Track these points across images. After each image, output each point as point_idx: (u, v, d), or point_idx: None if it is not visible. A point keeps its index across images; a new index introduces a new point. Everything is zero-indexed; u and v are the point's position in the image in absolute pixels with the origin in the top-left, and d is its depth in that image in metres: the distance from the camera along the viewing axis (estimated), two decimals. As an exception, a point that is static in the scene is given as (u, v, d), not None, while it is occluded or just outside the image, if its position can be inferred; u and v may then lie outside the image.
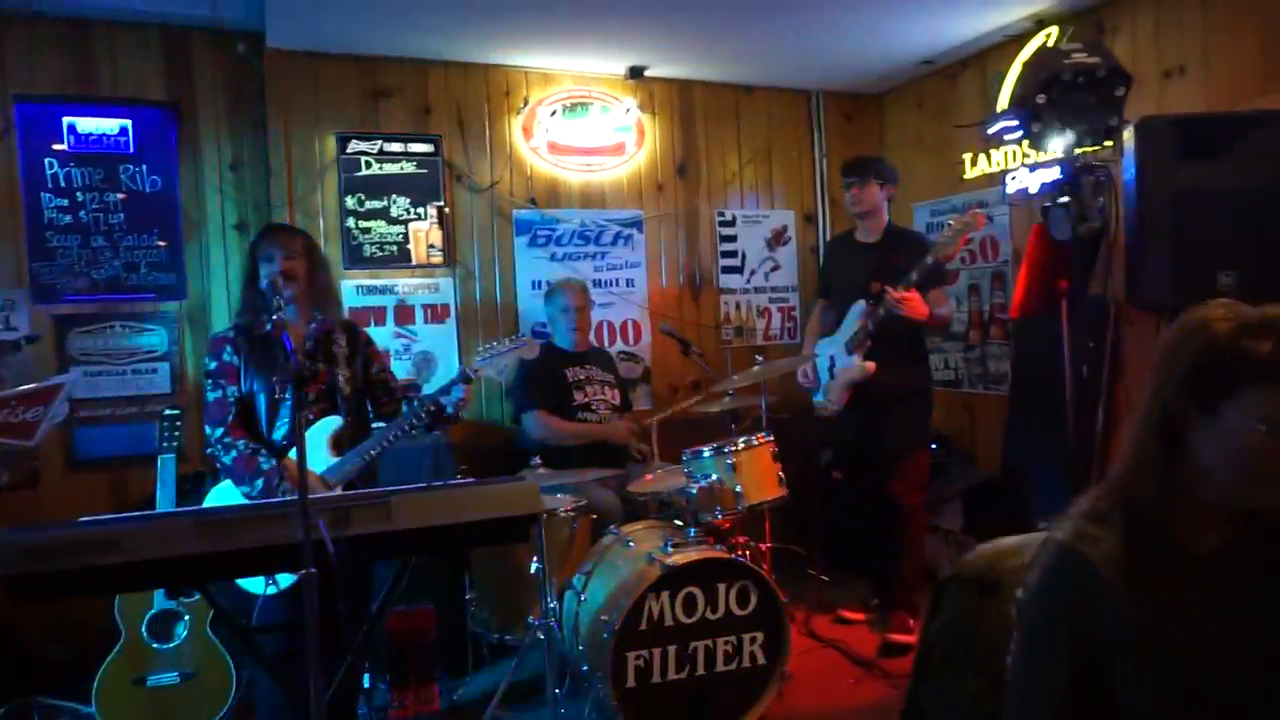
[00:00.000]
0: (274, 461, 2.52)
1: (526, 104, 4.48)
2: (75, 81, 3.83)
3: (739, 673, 2.89)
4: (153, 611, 3.01)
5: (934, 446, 4.48)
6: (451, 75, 4.36)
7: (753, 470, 3.19)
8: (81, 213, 3.84)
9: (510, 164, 4.48)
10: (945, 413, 4.72)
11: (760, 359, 3.72)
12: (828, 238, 5.17)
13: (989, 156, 4.53)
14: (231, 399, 2.57)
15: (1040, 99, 2.96)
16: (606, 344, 4.59)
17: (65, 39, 3.80)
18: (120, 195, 3.91)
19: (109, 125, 3.89)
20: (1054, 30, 4.04)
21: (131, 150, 3.91)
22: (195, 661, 2.97)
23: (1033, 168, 4.03)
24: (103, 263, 3.87)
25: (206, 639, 3.00)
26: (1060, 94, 2.94)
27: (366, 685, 3.07)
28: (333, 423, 2.58)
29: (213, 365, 2.61)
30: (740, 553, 3.19)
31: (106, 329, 3.88)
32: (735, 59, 4.59)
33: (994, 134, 4.37)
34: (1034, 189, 4.04)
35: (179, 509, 2.67)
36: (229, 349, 2.61)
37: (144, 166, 3.94)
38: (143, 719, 2.94)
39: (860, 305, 3.62)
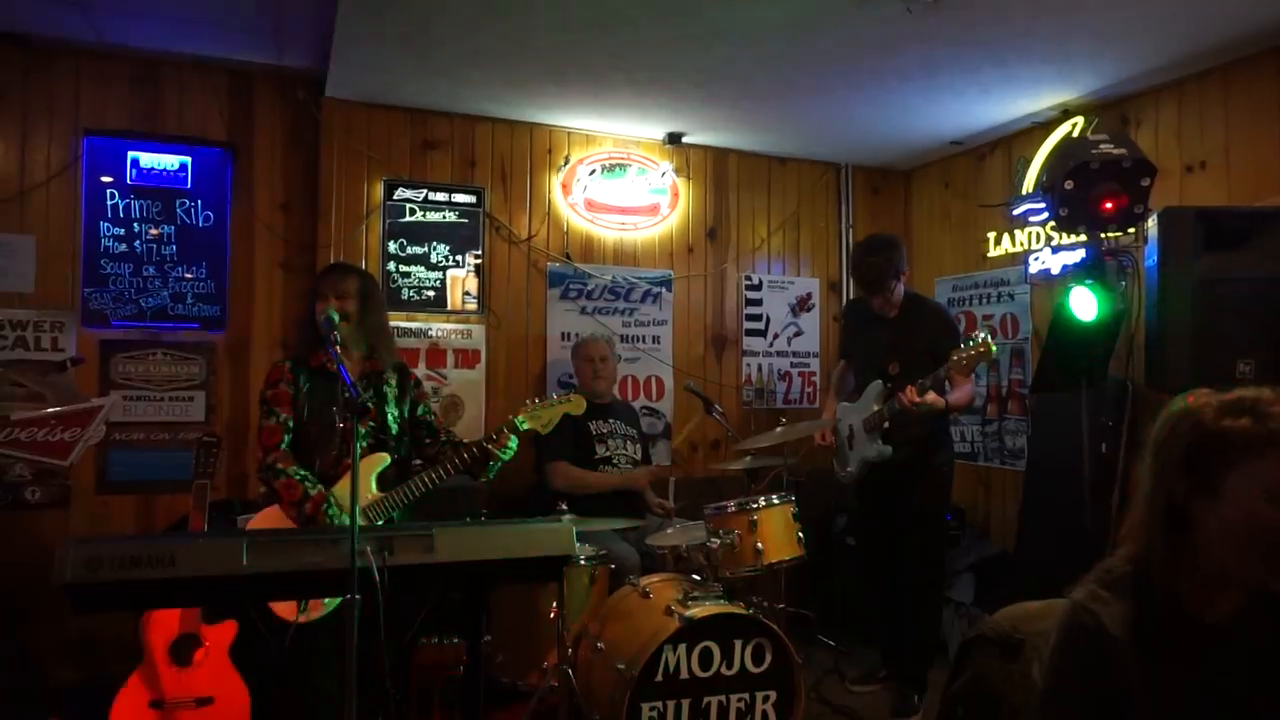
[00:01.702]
0: (321, 488, 2.60)
1: (567, 162, 4.65)
2: (143, 118, 4.01)
3: (751, 731, 2.90)
4: (176, 636, 3.05)
5: (949, 519, 4.51)
6: (498, 131, 4.54)
7: (774, 529, 3.24)
8: (136, 243, 3.99)
9: (548, 219, 4.63)
10: (960, 486, 4.75)
11: (784, 421, 3.79)
12: (850, 306, 5.28)
13: (1012, 236, 4.65)
14: (286, 426, 2.67)
15: (1068, 185, 3.08)
16: (630, 398, 4.67)
17: (137, 77, 4.00)
18: (174, 228, 4.06)
19: (170, 161, 4.06)
20: (1080, 120, 4.19)
21: (189, 186, 4.08)
22: (214, 685, 3.00)
23: (1056, 249, 4.17)
24: (152, 291, 4.01)
25: (226, 664, 3.03)
26: (1086, 181, 3.06)
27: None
28: (381, 459, 2.67)
29: (269, 392, 2.72)
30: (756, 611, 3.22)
31: (149, 355, 4.00)
32: (769, 130, 4.76)
33: (1019, 215, 4.55)
34: (1056, 269, 4.18)
35: (232, 530, 2.74)
36: (286, 377, 2.72)
37: (199, 202, 4.10)
38: (158, 742, 2.96)
39: (877, 386, 3.63)
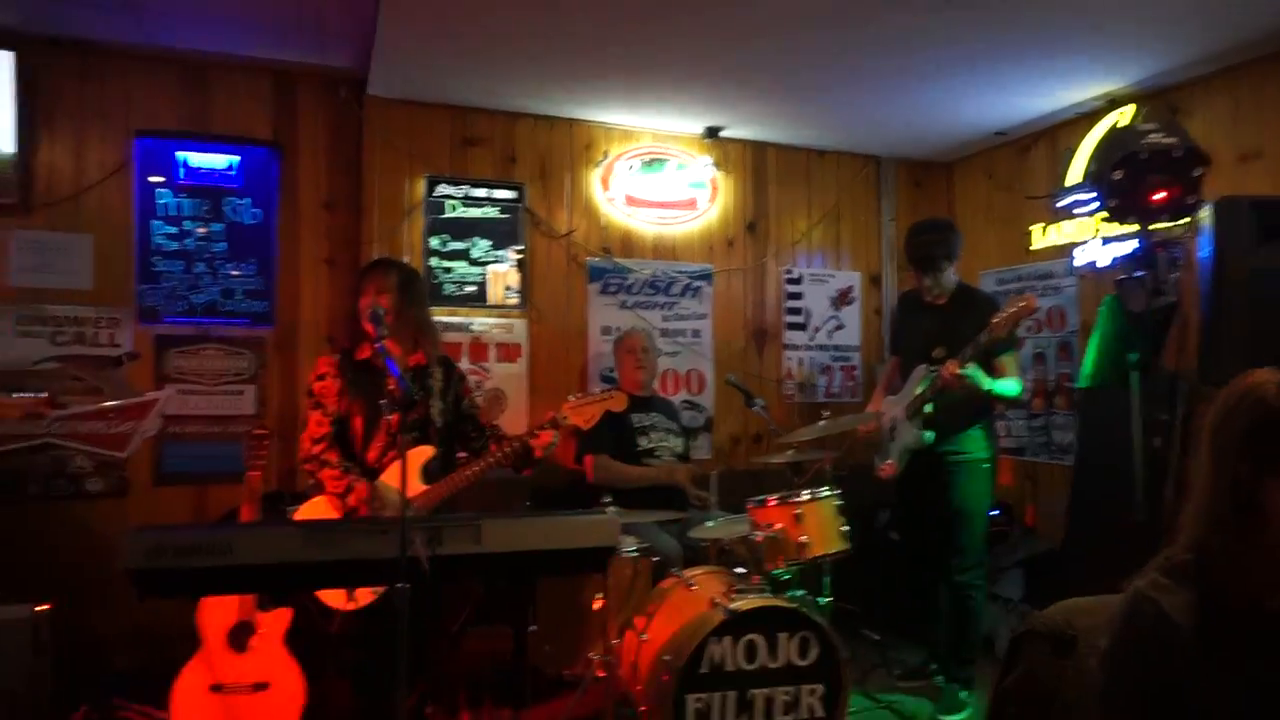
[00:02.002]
0: (365, 480, 2.65)
1: (606, 157, 4.67)
2: (192, 119, 4.10)
3: (796, 724, 2.90)
4: (233, 623, 3.13)
5: (995, 514, 4.46)
6: (537, 127, 4.57)
7: (818, 522, 3.23)
8: (187, 240, 4.08)
9: (587, 214, 4.65)
10: (1007, 481, 4.70)
11: (827, 415, 3.77)
12: (891, 299, 5.24)
13: (1059, 228, 4.58)
14: (329, 418, 2.72)
15: (1116, 175, 3.03)
16: (670, 392, 4.68)
17: (186, 79, 4.09)
18: (223, 226, 4.15)
19: (218, 161, 4.15)
20: (1128, 109, 4.11)
21: (237, 185, 4.17)
22: (270, 671, 3.07)
23: (1105, 241, 4.10)
24: (202, 288, 4.10)
25: (281, 650, 3.10)
26: (1136, 172, 3.00)
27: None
28: (426, 452, 2.71)
29: (316, 385, 2.78)
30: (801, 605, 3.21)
31: (201, 350, 4.09)
32: (808, 123, 4.74)
33: (1064, 207, 4.48)
34: (1103, 262, 4.10)
35: (287, 520, 2.79)
36: (331, 370, 2.78)
37: (247, 200, 4.18)
38: (214, 726, 3.04)
39: (921, 370, 3.61)
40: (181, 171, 4.10)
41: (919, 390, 3.55)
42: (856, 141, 5.08)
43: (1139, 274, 3.08)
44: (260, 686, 3.04)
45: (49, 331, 3.86)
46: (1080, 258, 4.26)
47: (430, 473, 2.73)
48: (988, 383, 3.39)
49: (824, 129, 4.84)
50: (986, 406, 3.73)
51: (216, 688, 3.01)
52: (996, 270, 4.98)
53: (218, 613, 3.09)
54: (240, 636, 3.08)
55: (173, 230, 4.07)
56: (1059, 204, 4.51)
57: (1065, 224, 4.54)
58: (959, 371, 3.31)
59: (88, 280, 3.93)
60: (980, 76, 3.95)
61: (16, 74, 3.74)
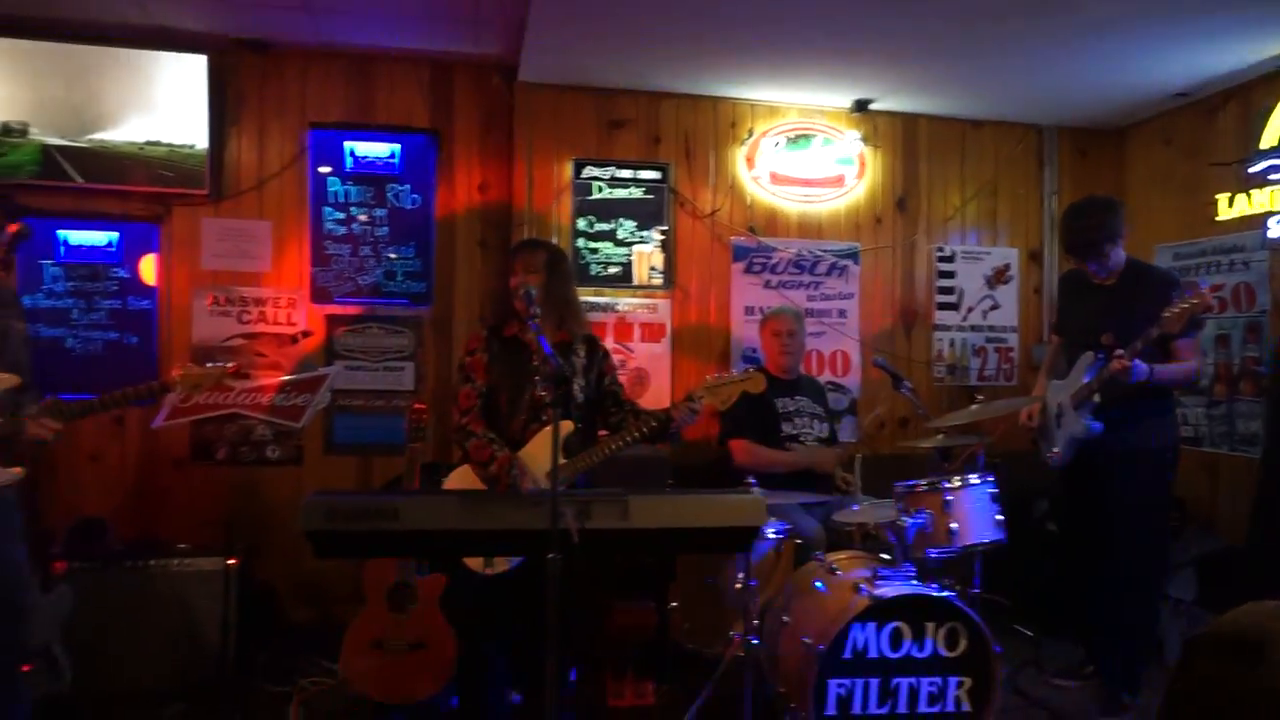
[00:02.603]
0: (509, 451, 2.75)
1: (751, 135, 4.62)
2: (358, 110, 4.36)
3: (943, 716, 2.81)
4: (392, 583, 3.34)
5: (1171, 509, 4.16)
6: (682, 107, 4.58)
7: (969, 510, 3.11)
8: (354, 225, 4.35)
9: (731, 193, 4.63)
10: (1183, 473, 4.35)
11: (980, 398, 3.62)
12: (1052, 277, 4.94)
13: (1249, 197, 4.17)
14: (478, 391, 2.85)
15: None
16: (815, 373, 4.61)
17: (352, 72, 4.35)
18: (385, 211, 4.39)
19: (382, 149, 4.39)
20: (1338, 62, 3.69)
21: (399, 171, 4.39)
22: (425, 632, 3.26)
23: (1306, 211, 3.70)
24: (367, 270, 4.36)
25: (437, 613, 3.29)
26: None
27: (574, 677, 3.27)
28: (566, 426, 2.78)
29: (466, 359, 2.91)
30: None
31: (366, 329, 4.36)
32: (964, 93, 4.52)
33: (1257, 173, 4.08)
34: (1303, 234, 3.71)
35: (446, 490, 2.93)
36: (481, 346, 2.89)
37: (407, 186, 4.41)
38: (378, 679, 3.26)
39: (1088, 358, 3.39)
40: (349, 160, 4.37)
41: (1086, 379, 3.35)
42: (1017, 110, 4.79)
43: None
44: (416, 646, 3.23)
45: (236, 310, 4.22)
46: (1276, 229, 3.87)
47: (570, 447, 2.80)
48: (1156, 376, 3.17)
49: (981, 98, 4.60)
50: (1167, 393, 3.46)
51: (377, 644, 3.23)
52: (1174, 244, 4.60)
53: (380, 574, 3.31)
54: (399, 598, 3.29)
55: (341, 216, 4.34)
56: (1251, 169, 4.11)
57: (1257, 192, 4.13)
58: (1128, 365, 3.10)
59: (268, 263, 4.26)
60: (1158, 31, 3.63)
61: (208, 76, 4.08)
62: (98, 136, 4.02)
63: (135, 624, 3.44)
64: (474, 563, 2.74)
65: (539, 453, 2.77)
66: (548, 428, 2.80)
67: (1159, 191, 4.75)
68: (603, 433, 2.97)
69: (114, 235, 4.14)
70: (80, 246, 4.11)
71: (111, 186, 4.06)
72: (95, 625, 3.35)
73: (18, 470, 2.55)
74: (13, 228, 2.48)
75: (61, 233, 4.09)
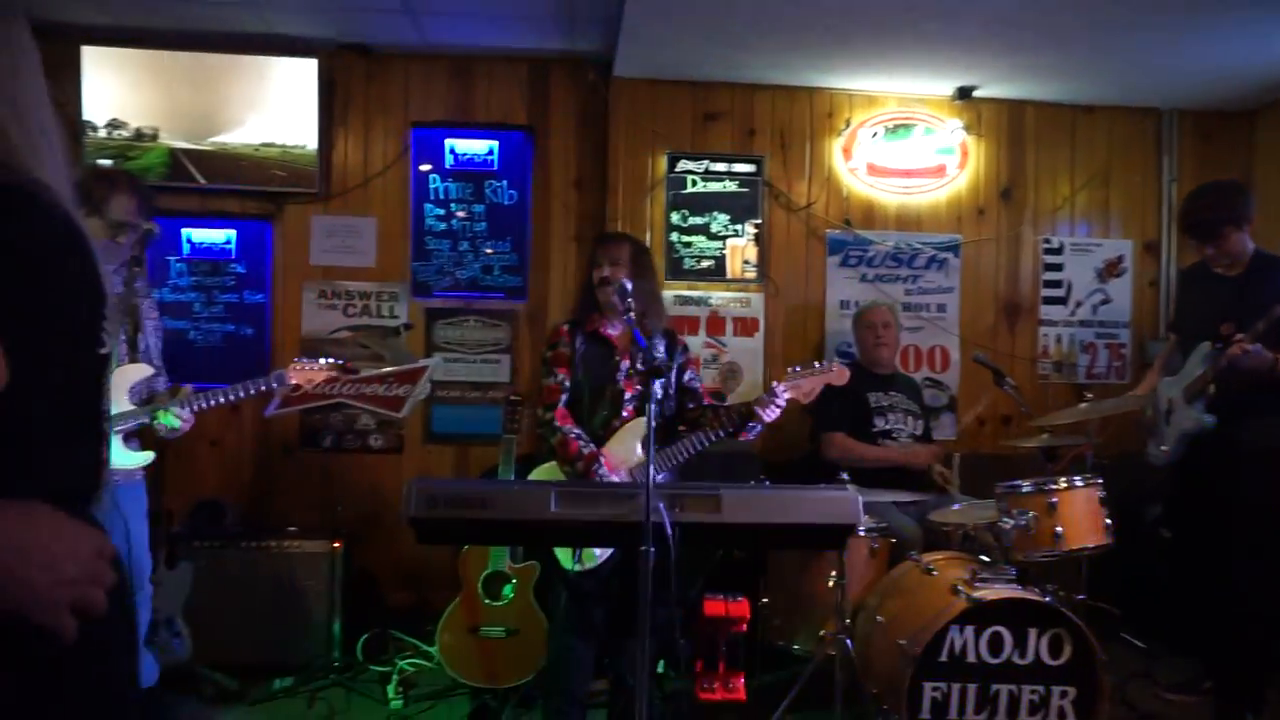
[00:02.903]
0: (593, 446, 2.77)
1: (848, 125, 4.53)
2: (458, 108, 4.47)
3: (1045, 726, 2.72)
4: (488, 571, 3.43)
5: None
6: (777, 98, 4.52)
7: (1076, 512, 2.99)
8: (453, 221, 4.47)
9: (827, 185, 4.55)
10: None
11: (1090, 396, 3.46)
12: (1170, 269, 4.68)
13: (1396, 184, 3.86)
14: (563, 385, 2.85)
15: None
16: (912, 369, 4.50)
17: (453, 72, 4.46)
18: (483, 207, 4.49)
19: (480, 147, 4.49)
20: None
21: (496, 168, 4.49)
22: (519, 619, 3.33)
23: None
24: (466, 264, 4.48)
25: (530, 601, 3.36)
26: None
27: (660, 669, 3.29)
28: (645, 422, 2.79)
29: (550, 353, 2.90)
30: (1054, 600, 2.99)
31: (463, 322, 4.48)
32: (1075, 77, 4.31)
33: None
34: None
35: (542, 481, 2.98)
36: (564, 340, 2.90)
37: (504, 182, 4.50)
38: (474, 663, 3.36)
39: (1204, 348, 3.22)
40: (449, 158, 4.48)
41: (1200, 370, 3.17)
42: (1133, 93, 4.55)
43: None
44: (512, 633, 3.31)
45: (342, 304, 4.40)
46: None
47: (649, 443, 2.80)
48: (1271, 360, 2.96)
49: (1094, 82, 4.38)
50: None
51: (473, 630, 3.32)
52: (1309, 235, 4.29)
53: (476, 562, 3.40)
54: (494, 585, 3.37)
55: (441, 212, 4.47)
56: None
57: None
58: (1249, 348, 2.91)
59: (372, 259, 4.42)
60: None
61: (318, 79, 4.26)
62: (218, 139, 4.24)
63: (249, 601, 3.63)
64: (564, 558, 2.76)
65: (621, 448, 2.79)
66: (631, 423, 2.83)
67: (1292, 177, 4.44)
68: (682, 428, 2.96)
69: (231, 233, 4.37)
70: (201, 244, 4.36)
71: (230, 186, 4.28)
72: (213, 601, 3.54)
73: (150, 454, 2.73)
74: (146, 227, 2.65)
75: (185, 230, 4.33)
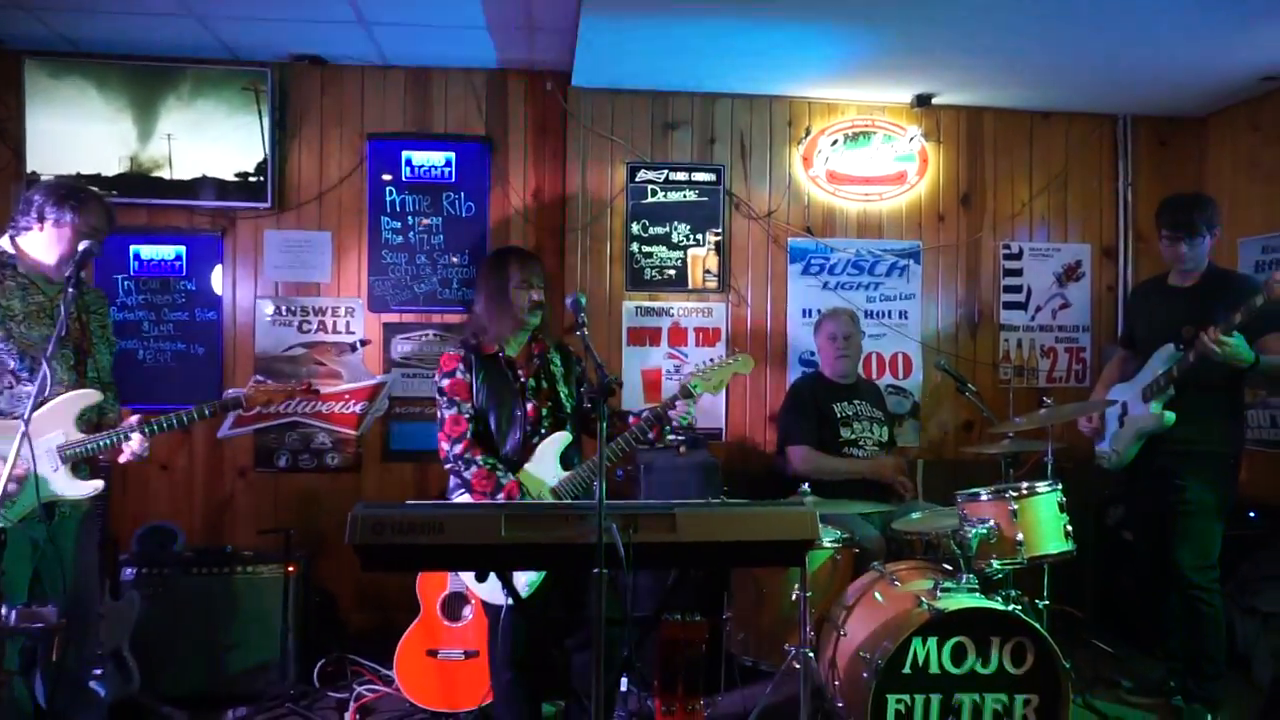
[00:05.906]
0: (511, 476, 2.70)
1: (808, 134, 4.52)
2: (414, 120, 4.40)
3: (1010, 736, 2.70)
4: (445, 593, 3.35)
5: (1252, 516, 3.94)
6: (737, 107, 4.50)
7: (1037, 519, 2.98)
8: (410, 234, 4.39)
9: (788, 193, 4.53)
10: (1272, 479, 4.12)
11: (1049, 401, 3.46)
12: (1128, 274, 4.73)
13: (1344, 186, 3.92)
14: (467, 415, 2.73)
15: None
16: (875, 376, 4.49)
17: (409, 84, 4.39)
18: (441, 219, 4.42)
19: (437, 158, 4.42)
20: None
21: (454, 180, 4.42)
22: (480, 642, 3.26)
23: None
24: (423, 278, 4.40)
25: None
26: None
27: (623, 689, 3.23)
28: (563, 438, 2.74)
29: (446, 383, 2.76)
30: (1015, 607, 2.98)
31: (421, 336, 4.40)
32: (1033, 83, 4.34)
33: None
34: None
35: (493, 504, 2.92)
36: (460, 367, 2.76)
37: (461, 194, 4.43)
38: (433, 686, 3.28)
39: (1168, 349, 3.26)
40: (406, 170, 4.41)
41: (1163, 370, 3.20)
42: (1090, 99, 4.58)
43: None
44: (471, 654, 3.24)
45: (296, 320, 4.30)
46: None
47: (568, 459, 2.76)
48: (1253, 356, 2.98)
49: (1051, 87, 4.40)
50: (1238, 395, 3.30)
51: (432, 652, 3.25)
52: (1263, 236, 4.34)
53: (434, 584, 3.33)
54: (453, 607, 3.30)
55: (398, 225, 4.39)
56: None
57: (1353, 181, 3.88)
58: (1221, 338, 2.92)
59: (327, 273, 4.33)
60: (1251, 9, 3.41)
61: (270, 91, 4.17)
62: (167, 153, 4.14)
63: (201, 629, 3.52)
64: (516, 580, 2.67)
65: (542, 467, 2.75)
66: (547, 440, 2.77)
67: (1245, 180, 4.49)
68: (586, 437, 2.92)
69: (181, 249, 4.26)
70: (150, 260, 4.24)
71: (180, 201, 4.18)
72: (163, 630, 3.43)
73: (99, 483, 2.63)
74: (82, 245, 2.55)
75: (133, 247, 4.22)
